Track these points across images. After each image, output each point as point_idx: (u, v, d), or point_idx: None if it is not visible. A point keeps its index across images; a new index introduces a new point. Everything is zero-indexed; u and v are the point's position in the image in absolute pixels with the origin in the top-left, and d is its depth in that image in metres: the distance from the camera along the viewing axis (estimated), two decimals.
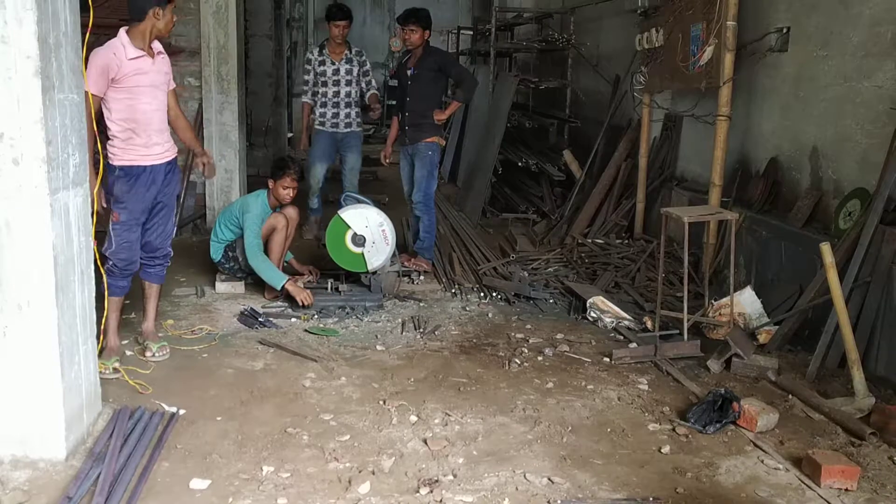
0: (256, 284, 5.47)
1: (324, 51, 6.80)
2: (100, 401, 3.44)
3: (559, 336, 4.80)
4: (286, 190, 5.29)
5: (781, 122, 5.44)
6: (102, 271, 3.61)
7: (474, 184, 8.54)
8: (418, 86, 6.01)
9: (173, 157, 4.20)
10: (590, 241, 6.75)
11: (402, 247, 6.36)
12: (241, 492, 2.95)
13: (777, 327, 4.63)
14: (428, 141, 5.96)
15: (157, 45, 4.07)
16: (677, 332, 4.64)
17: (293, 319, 4.92)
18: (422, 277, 5.91)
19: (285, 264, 5.55)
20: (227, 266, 5.39)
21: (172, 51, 7.10)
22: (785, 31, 5.36)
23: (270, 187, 5.31)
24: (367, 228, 5.25)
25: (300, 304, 5.05)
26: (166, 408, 3.58)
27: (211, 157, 4.70)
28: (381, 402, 3.75)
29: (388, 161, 6.49)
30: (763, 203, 5.43)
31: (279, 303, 5.22)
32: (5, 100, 2.79)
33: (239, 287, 5.42)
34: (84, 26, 3.16)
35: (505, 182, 8.87)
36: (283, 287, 5.08)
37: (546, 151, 9.04)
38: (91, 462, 3.03)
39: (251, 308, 5.01)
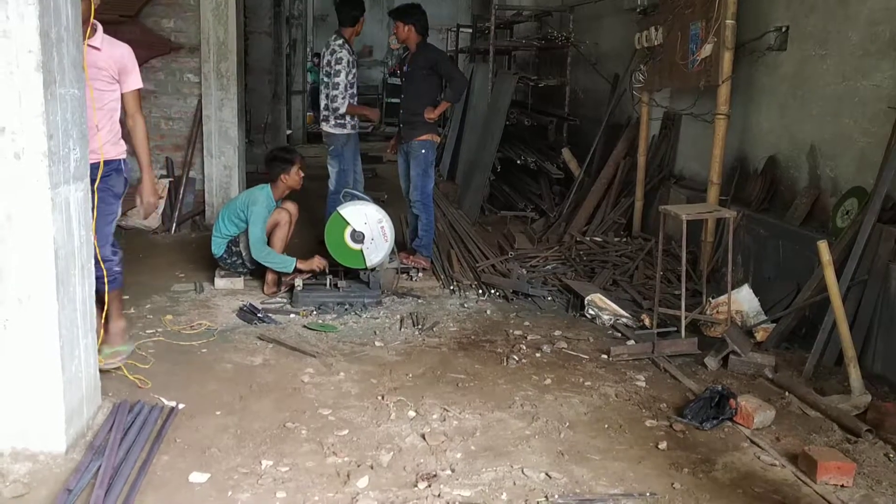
0: (255, 280, 5.49)
1: (353, 49, 6.32)
2: (99, 395, 3.45)
3: (557, 333, 4.81)
4: (299, 177, 5.43)
5: (780, 121, 5.46)
6: (103, 266, 3.61)
7: (473, 181, 8.55)
8: (411, 84, 6.05)
9: (94, 161, 3.57)
10: (588, 238, 6.76)
11: (401, 244, 6.37)
12: (241, 485, 2.96)
13: (774, 325, 4.65)
14: (420, 139, 5.99)
15: (98, 38, 3.69)
16: (675, 329, 4.66)
17: (292, 315, 4.94)
18: (420, 274, 5.92)
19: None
20: (229, 261, 5.41)
21: (172, 47, 7.14)
22: (784, 29, 5.38)
23: (282, 178, 5.38)
24: (366, 225, 5.26)
25: (316, 270, 5.28)
26: (165, 402, 3.59)
27: (156, 196, 4.20)
28: (380, 398, 3.77)
29: (391, 152, 6.53)
30: (761, 201, 5.45)
31: (278, 298, 5.24)
32: (7, 94, 2.80)
33: (238, 283, 5.43)
34: (85, 22, 3.17)
35: (504, 180, 8.88)
36: (294, 267, 5.22)
37: (545, 149, 9.05)
38: (91, 455, 3.04)
39: (250, 304, 5.02)
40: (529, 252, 6.61)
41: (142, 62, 7.06)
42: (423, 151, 6.01)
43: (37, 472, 2.95)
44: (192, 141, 7.27)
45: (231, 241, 5.38)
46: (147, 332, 4.53)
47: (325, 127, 6.30)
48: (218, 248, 5.40)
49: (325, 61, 6.23)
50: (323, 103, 6.30)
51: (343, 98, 6.10)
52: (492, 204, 8.55)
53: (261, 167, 9.59)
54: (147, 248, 6.50)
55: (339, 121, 6.19)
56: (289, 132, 13.41)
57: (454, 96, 6.10)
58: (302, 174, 5.46)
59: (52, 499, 2.79)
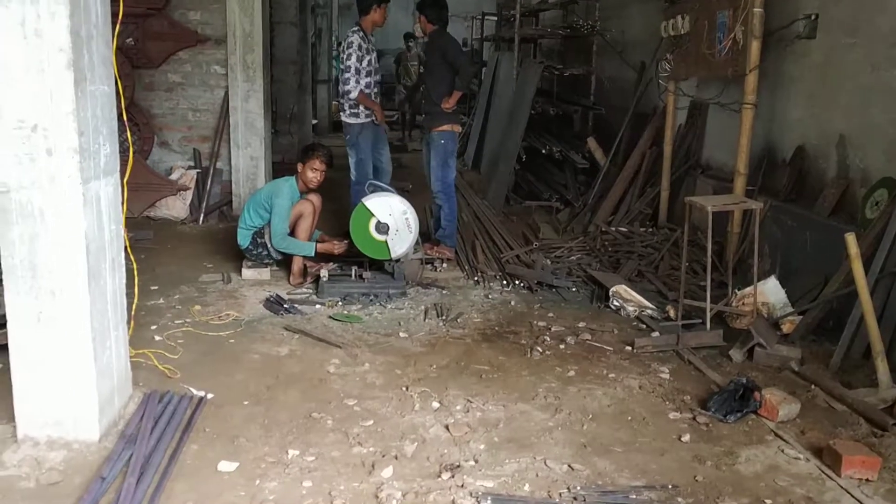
0: (281, 271, 5.55)
1: (368, 37, 6.28)
2: (130, 385, 3.53)
3: (581, 324, 4.82)
4: (314, 173, 5.42)
5: (808, 111, 5.39)
6: (133, 259, 3.68)
7: (497, 171, 8.55)
8: (429, 74, 6.10)
9: None
10: (613, 229, 6.74)
11: (425, 235, 6.40)
12: (268, 474, 3.02)
13: (801, 317, 4.60)
14: (440, 130, 6.02)
15: None
16: (700, 321, 4.64)
17: (318, 306, 4.99)
18: (444, 265, 5.95)
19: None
20: (254, 252, 5.48)
21: (199, 39, 7.22)
22: (813, 17, 5.30)
23: (299, 171, 5.43)
24: (391, 216, 5.30)
25: (335, 252, 5.36)
26: (194, 392, 3.67)
27: None
28: (404, 389, 3.81)
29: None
30: (789, 192, 5.40)
31: (304, 289, 5.30)
32: (39, 92, 2.86)
33: (265, 274, 5.50)
34: (114, 16, 3.22)
35: (528, 169, 8.87)
36: (315, 251, 5.31)
37: (570, 139, 9.01)
38: (123, 444, 3.12)
39: (276, 294, 5.09)
40: (554, 242, 6.61)
41: (169, 54, 7.22)
42: (443, 142, 6.03)
43: (71, 460, 3.03)
44: (219, 132, 7.34)
45: (256, 232, 5.44)
46: (176, 322, 4.61)
47: (342, 116, 6.37)
48: (244, 239, 5.47)
49: (340, 49, 6.26)
50: (340, 92, 6.35)
51: (355, 83, 6.06)
52: (517, 194, 8.54)
53: (287, 157, 9.67)
54: (175, 239, 6.59)
55: (352, 110, 6.20)
56: (315, 122, 13.47)
57: (462, 84, 6.08)
58: (318, 170, 5.42)
59: (86, 486, 2.87)
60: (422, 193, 7.49)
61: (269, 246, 5.41)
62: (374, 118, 6.22)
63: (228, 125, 7.29)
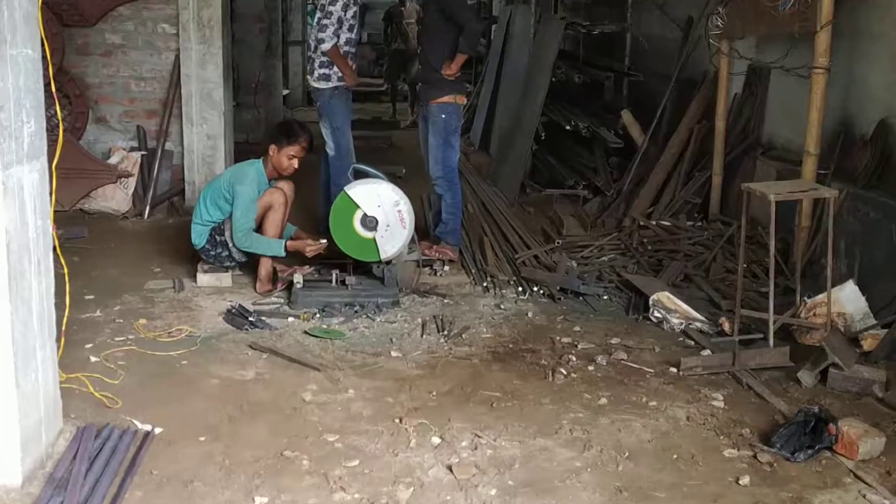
0: (246, 276, 5.55)
1: None
2: (60, 417, 3.52)
3: (615, 341, 4.82)
4: (292, 160, 5.43)
5: (893, 76, 5.38)
6: (63, 262, 3.68)
7: (511, 152, 8.54)
8: (426, 34, 6.15)
9: None
10: (654, 223, 6.73)
11: (423, 231, 6.39)
12: None
13: (885, 331, 4.60)
14: (440, 101, 6.03)
15: None
16: (761, 336, 4.63)
17: (290, 319, 4.99)
18: (446, 268, 5.95)
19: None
20: (213, 254, 5.48)
21: None
22: None
23: (271, 154, 5.43)
24: (380, 208, 5.29)
25: (308, 254, 5.35)
26: (139, 425, 3.65)
27: None
28: (397, 421, 3.81)
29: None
30: (870, 176, 5.38)
31: (274, 298, 5.30)
32: None
33: (225, 279, 5.50)
34: None
35: (549, 150, 8.86)
36: (285, 250, 5.32)
37: (600, 112, 9.01)
38: (51, 490, 3.11)
39: (240, 305, 5.08)
40: (581, 240, 6.60)
41: (107, 10, 7.21)
42: (444, 116, 6.04)
43: None
44: (169, 105, 7.34)
45: (215, 228, 5.44)
46: (116, 339, 4.60)
47: (309, 80, 6.50)
48: (199, 237, 5.47)
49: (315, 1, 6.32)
50: (311, 47, 6.45)
51: (333, 33, 6.15)
52: (534, 180, 8.53)
53: (252, 136, 9.68)
54: (116, 237, 6.59)
55: (322, 70, 6.31)
56: (286, 92, 13.48)
57: (467, 45, 6.07)
58: (297, 157, 5.46)
59: None
60: (418, 180, 7.49)
61: (230, 245, 5.41)
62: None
63: (180, 97, 7.29)
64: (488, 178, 8.66)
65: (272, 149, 5.43)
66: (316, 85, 6.40)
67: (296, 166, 5.50)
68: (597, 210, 7.47)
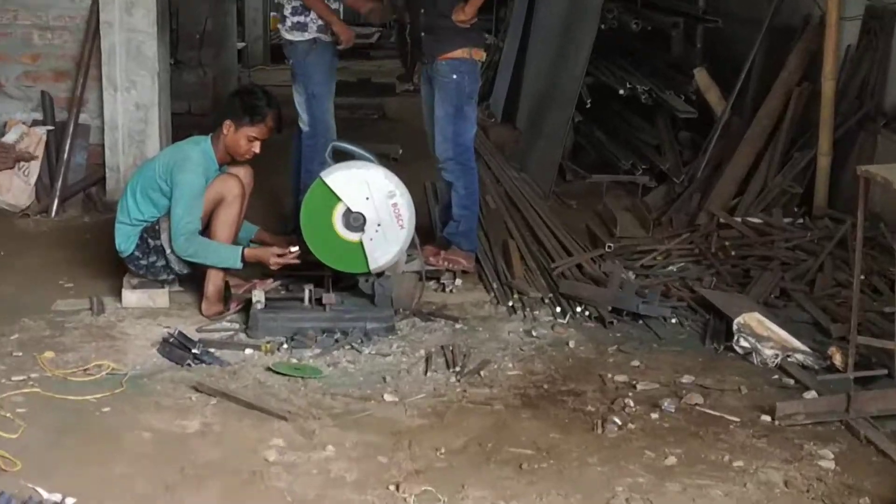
0: (188, 293, 5.54)
1: None
2: None
3: (687, 379, 4.80)
4: (252, 143, 5.42)
5: None
6: None
7: (545, 125, 8.53)
8: None
9: None
10: (739, 219, 6.72)
11: (427, 232, 6.38)
12: None
13: None
14: (449, 57, 6.01)
15: None
16: (885, 372, 4.63)
17: (248, 351, 4.98)
18: (458, 282, 5.96)
19: (250, 245, 5.66)
20: (144, 263, 5.47)
21: None
22: None
23: (224, 132, 5.41)
24: (369, 202, 5.27)
25: (272, 266, 5.33)
26: (45, 495, 3.62)
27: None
28: (393, 488, 3.79)
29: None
30: None
31: (225, 323, 5.30)
32: None
33: (160, 298, 5.50)
34: None
35: (597, 122, 8.87)
36: (242, 260, 5.27)
37: (665, 71, 9.01)
38: None
39: (180, 332, 5.06)
40: (641, 243, 6.60)
41: None
42: (455, 77, 6.02)
43: None
44: (84, 64, 7.35)
45: (147, 229, 5.43)
46: (13, 379, 4.58)
47: (280, 31, 6.55)
48: (126, 241, 5.45)
49: None
50: None
51: None
52: (577, 163, 8.54)
53: (195, 106, 9.66)
54: (13, 240, 6.60)
55: (296, 18, 6.31)
56: (241, 46, 13.50)
57: None
58: (255, 142, 5.42)
59: None
60: (420, 163, 7.48)
61: (167, 252, 5.40)
62: (330, 35, 6.32)
63: (99, 52, 7.30)
64: (515, 160, 8.66)
65: (227, 126, 5.40)
66: (288, 37, 6.38)
67: (256, 151, 5.47)
68: (661, 203, 7.47)
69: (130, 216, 5.46)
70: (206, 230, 5.39)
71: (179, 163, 5.36)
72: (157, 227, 5.42)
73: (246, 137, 5.39)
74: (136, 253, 5.46)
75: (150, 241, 5.43)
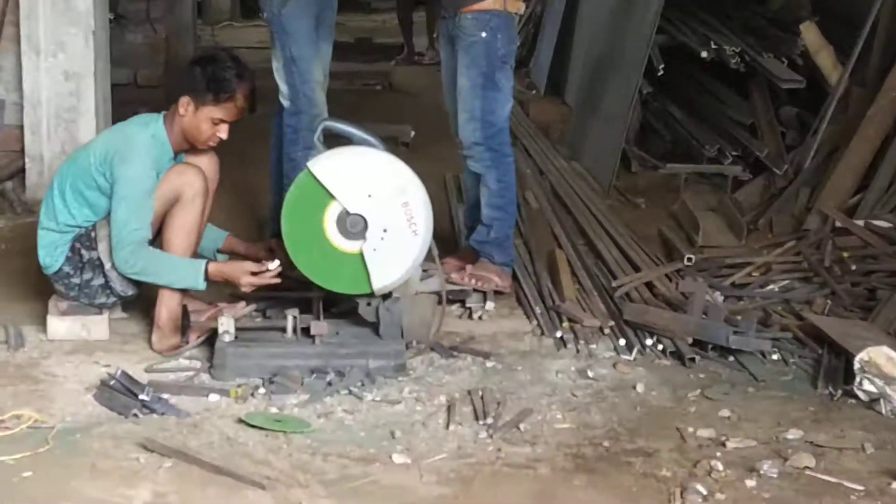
0: (134, 321, 5.59)
1: None
2: None
3: (793, 434, 4.80)
4: (217, 126, 5.41)
5: None
6: None
7: (604, 100, 8.56)
8: None
9: None
10: (860, 222, 6.72)
11: (449, 240, 6.42)
12: None
13: None
14: (477, 9, 6.04)
15: None
16: None
17: (214, 397, 5.01)
18: (490, 305, 6.00)
19: (216, 257, 5.70)
20: (76, 282, 5.48)
21: None
22: None
23: (181, 112, 5.41)
24: (372, 200, 5.31)
25: (245, 287, 5.31)
26: None
27: None
28: None
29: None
30: None
31: (182, 360, 5.33)
32: None
33: (97, 327, 5.53)
34: None
35: (671, 95, 8.90)
36: (206, 278, 5.28)
37: (762, 26, 9.01)
38: None
39: (123, 373, 5.04)
40: (731, 254, 6.64)
41: None
42: (484, 35, 6.03)
43: None
44: None
45: (80, 237, 5.46)
46: None
47: None
48: (53, 252, 5.47)
49: None
50: None
51: None
52: (646, 149, 8.57)
53: (142, 75, 9.73)
54: None
55: None
56: None
57: None
58: (220, 125, 5.39)
59: None
60: (439, 149, 7.51)
61: (106, 267, 5.44)
62: None
63: (16, 6, 7.36)
64: (564, 145, 8.69)
65: (184, 103, 5.37)
66: None
67: (223, 135, 5.46)
68: (758, 201, 7.49)
69: (58, 220, 5.46)
70: (159, 238, 5.42)
71: (122, 151, 5.35)
72: (92, 234, 5.43)
73: (209, 119, 5.36)
74: (66, 268, 5.47)
75: (83, 252, 5.44)
